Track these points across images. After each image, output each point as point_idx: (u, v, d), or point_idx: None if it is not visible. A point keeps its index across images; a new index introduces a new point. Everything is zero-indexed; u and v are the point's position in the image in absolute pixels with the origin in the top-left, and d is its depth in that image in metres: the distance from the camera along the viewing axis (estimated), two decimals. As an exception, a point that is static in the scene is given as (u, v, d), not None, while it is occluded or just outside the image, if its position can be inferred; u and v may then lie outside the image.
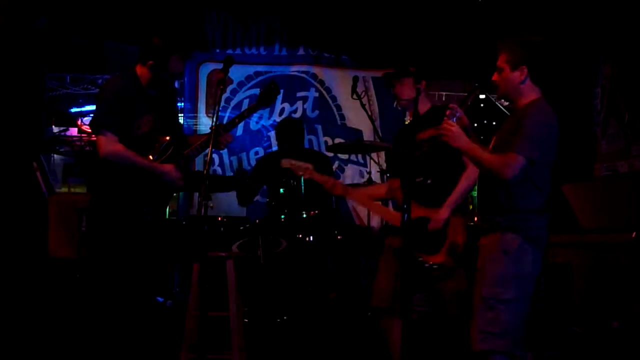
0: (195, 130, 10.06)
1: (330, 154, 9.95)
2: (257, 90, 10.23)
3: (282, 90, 10.16)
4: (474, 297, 4.79)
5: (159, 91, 5.83)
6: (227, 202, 9.25)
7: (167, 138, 5.74)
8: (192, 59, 10.27)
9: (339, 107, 10.32)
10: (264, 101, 6.16)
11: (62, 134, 12.30)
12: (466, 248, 5.45)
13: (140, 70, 5.72)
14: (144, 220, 5.62)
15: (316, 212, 7.64)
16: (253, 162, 9.96)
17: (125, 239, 5.55)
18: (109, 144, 5.54)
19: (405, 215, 4.61)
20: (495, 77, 4.98)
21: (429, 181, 5.72)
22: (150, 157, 5.65)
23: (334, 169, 9.60)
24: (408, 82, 5.83)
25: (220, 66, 5.67)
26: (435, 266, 5.52)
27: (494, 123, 11.00)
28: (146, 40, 5.69)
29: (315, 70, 10.38)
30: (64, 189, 11.45)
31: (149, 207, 5.64)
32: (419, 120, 5.73)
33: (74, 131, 12.39)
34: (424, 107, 5.84)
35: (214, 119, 5.42)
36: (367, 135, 9.95)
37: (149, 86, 5.73)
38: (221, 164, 10.15)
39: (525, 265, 4.69)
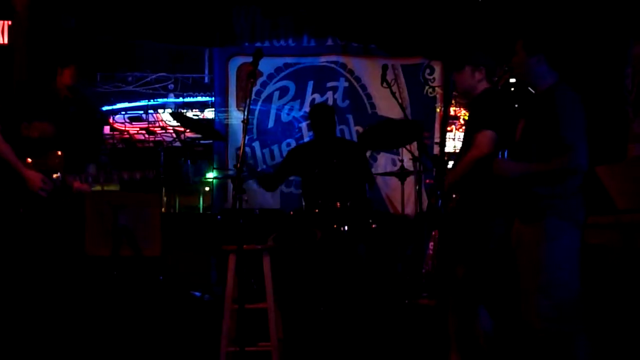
0: (227, 125, 10.10)
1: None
2: (287, 82, 10.27)
3: (311, 82, 10.22)
4: (525, 284, 4.87)
5: (80, 110, 5.91)
6: (262, 194, 9.30)
7: (59, 153, 5.77)
8: (221, 53, 10.32)
9: (369, 96, 10.32)
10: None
11: (95, 132, 12.40)
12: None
13: (58, 78, 5.84)
14: (18, 219, 5.66)
15: (350, 201, 7.65)
16: (285, 154, 9.98)
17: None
18: None
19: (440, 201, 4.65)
20: (513, 61, 5.05)
21: None
22: (29, 160, 5.69)
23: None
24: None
25: (249, 59, 5.70)
26: None
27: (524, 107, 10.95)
28: None
29: (344, 59, 10.37)
30: (98, 187, 11.54)
31: (26, 206, 5.66)
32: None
33: (106, 129, 12.50)
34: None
35: (245, 112, 5.45)
36: (399, 123, 9.93)
37: (66, 99, 5.81)
38: (253, 157, 10.17)
39: (573, 247, 4.79)
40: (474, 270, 5.43)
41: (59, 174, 5.71)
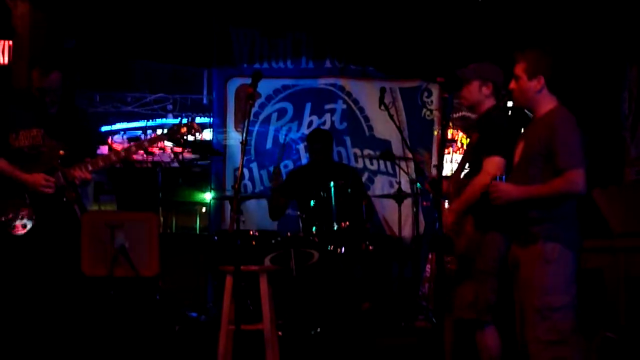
0: (225, 145, 10.10)
1: (360, 165, 9.99)
2: (285, 104, 10.26)
3: (309, 103, 10.23)
4: (524, 309, 4.87)
5: (62, 112, 5.93)
6: (259, 216, 9.31)
7: (57, 152, 5.80)
8: (219, 74, 10.33)
9: (367, 119, 10.32)
10: (172, 135, 6.23)
11: (93, 152, 12.42)
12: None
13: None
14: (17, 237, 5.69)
15: (347, 223, 7.66)
16: (283, 175, 9.97)
17: None
18: None
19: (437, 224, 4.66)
20: (512, 85, 5.05)
21: None
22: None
23: (363, 181, 9.59)
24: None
25: (248, 81, 5.71)
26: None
27: (523, 130, 10.97)
28: None
29: (342, 82, 10.37)
30: (95, 207, 11.56)
31: (7, 216, 5.69)
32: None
33: (104, 149, 12.51)
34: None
35: (244, 134, 5.46)
36: (396, 145, 9.92)
37: (44, 104, 5.84)
38: (251, 178, 10.17)
39: (569, 271, 4.79)
40: (480, 287, 5.40)
41: (58, 172, 5.75)
